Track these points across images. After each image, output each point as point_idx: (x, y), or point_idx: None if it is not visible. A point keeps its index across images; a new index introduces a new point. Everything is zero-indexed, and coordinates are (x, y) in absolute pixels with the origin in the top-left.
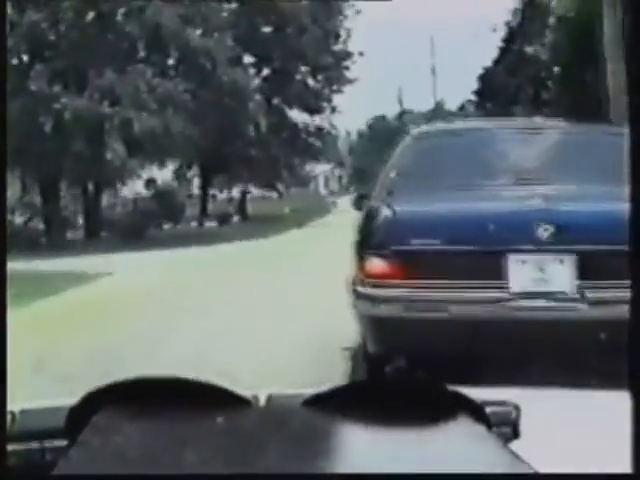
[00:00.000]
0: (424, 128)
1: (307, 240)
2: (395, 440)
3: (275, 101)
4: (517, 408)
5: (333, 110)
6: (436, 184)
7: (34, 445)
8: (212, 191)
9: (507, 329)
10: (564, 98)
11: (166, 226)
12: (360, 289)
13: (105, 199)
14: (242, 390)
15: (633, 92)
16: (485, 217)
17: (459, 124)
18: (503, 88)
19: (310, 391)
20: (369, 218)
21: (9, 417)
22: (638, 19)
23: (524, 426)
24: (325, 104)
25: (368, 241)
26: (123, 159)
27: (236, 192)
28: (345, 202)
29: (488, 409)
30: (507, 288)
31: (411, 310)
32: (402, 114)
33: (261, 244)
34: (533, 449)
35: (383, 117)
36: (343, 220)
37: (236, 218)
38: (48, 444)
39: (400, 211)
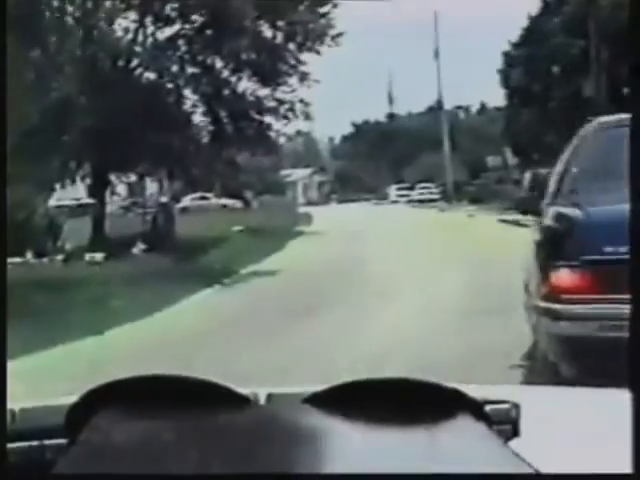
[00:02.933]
0: (604, 119)
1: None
2: (395, 439)
3: (208, 61)
4: (517, 406)
5: (303, 78)
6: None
7: (34, 443)
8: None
9: None
10: None
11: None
12: (543, 304)
13: None
14: (242, 388)
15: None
16: None
17: None
18: None
19: (310, 389)
20: (555, 221)
21: (9, 415)
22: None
23: (524, 424)
24: (290, 68)
25: (554, 249)
26: None
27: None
28: (324, 216)
29: (488, 407)
30: None
31: (607, 329)
32: (392, 115)
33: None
34: (533, 448)
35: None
36: (314, 257)
37: (137, 249)
38: (48, 442)
39: (592, 213)
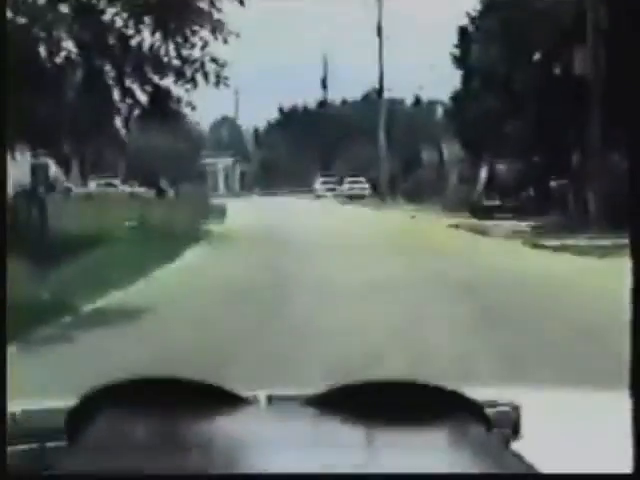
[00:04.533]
0: None
1: None
2: (395, 441)
3: None
4: (517, 408)
5: (217, 28)
6: None
7: (34, 446)
8: None
9: None
10: None
11: None
12: None
13: None
14: (242, 390)
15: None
16: None
17: None
18: None
19: (309, 391)
20: None
21: (10, 418)
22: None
23: (525, 424)
24: (199, 16)
25: None
26: None
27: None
28: (241, 211)
29: (488, 409)
30: None
31: None
32: (324, 102)
33: None
34: (533, 448)
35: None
36: (210, 278)
37: None
38: (48, 445)
39: None
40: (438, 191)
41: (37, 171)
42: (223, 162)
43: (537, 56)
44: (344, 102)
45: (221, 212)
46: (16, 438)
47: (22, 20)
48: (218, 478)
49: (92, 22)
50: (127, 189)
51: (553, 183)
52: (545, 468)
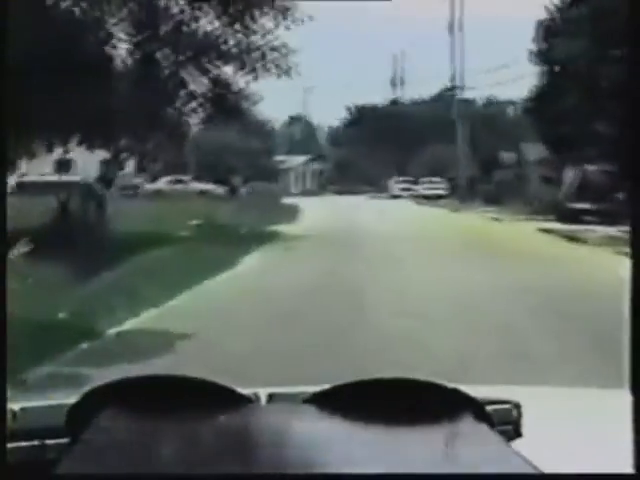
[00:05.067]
0: None
1: None
2: (396, 439)
3: None
4: (518, 407)
5: (283, 15)
6: None
7: (35, 443)
8: None
9: None
10: None
11: None
12: None
13: None
14: (243, 389)
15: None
16: None
17: None
18: None
19: (311, 390)
20: None
21: (10, 415)
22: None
23: (525, 424)
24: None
25: None
26: None
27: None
28: (315, 210)
29: (489, 408)
30: None
31: None
32: (396, 101)
33: None
34: (534, 448)
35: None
36: (273, 289)
37: (17, 251)
38: (49, 442)
39: None
40: (519, 193)
41: (107, 167)
42: (297, 160)
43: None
44: (417, 101)
45: (293, 211)
46: (16, 435)
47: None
48: (219, 477)
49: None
50: (197, 186)
51: None
52: (546, 468)
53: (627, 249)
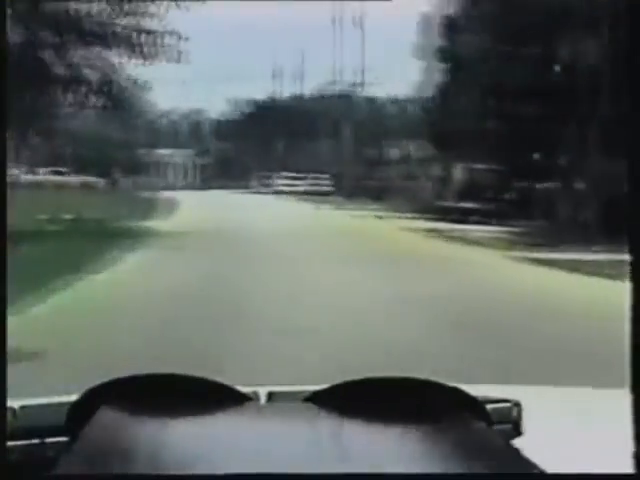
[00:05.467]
0: None
1: None
2: (395, 438)
3: None
4: (518, 405)
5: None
6: None
7: (35, 441)
8: None
9: None
10: None
11: None
12: None
13: None
14: (243, 387)
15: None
16: None
17: None
18: None
19: (311, 388)
20: None
21: (10, 413)
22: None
23: (525, 424)
24: None
25: None
26: None
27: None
28: (194, 205)
29: (489, 406)
30: None
31: None
32: (284, 95)
33: None
34: (533, 447)
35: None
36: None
37: None
38: (49, 440)
39: None
40: (405, 191)
41: None
42: (181, 154)
43: (533, 47)
44: (305, 96)
45: (170, 206)
46: (16, 433)
47: None
48: (218, 477)
49: None
50: (77, 179)
51: (539, 185)
52: (545, 467)
53: (515, 250)
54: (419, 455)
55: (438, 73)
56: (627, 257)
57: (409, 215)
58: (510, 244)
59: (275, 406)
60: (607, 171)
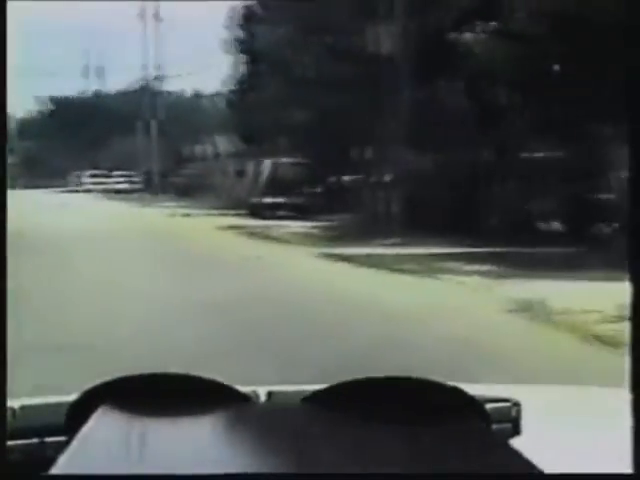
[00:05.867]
0: None
1: None
2: (395, 438)
3: None
4: (518, 405)
5: None
6: None
7: (34, 441)
8: None
9: None
10: None
11: None
12: None
13: None
14: (242, 386)
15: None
16: None
17: None
18: None
19: (310, 388)
20: None
21: (9, 413)
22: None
23: (524, 423)
24: None
25: None
26: None
27: None
28: None
29: (488, 406)
30: None
31: None
32: (90, 92)
33: None
34: (533, 447)
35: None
36: None
37: None
38: (48, 440)
39: None
40: (212, 187)
41: None
42: None
43: (330, 36)
44: (112, 93)
45: None
46: (16, 433)
47: None
48: (218, 477)
49: None
50: None
51: (346, 178)
52: (545, 467)
53: (320, 246)
54: (418, 455)
55: (243, 66)
56: (420, 250)
57: (216, 212)
58: (316, 239)
59: (274, 405)
60: (412, 165)
